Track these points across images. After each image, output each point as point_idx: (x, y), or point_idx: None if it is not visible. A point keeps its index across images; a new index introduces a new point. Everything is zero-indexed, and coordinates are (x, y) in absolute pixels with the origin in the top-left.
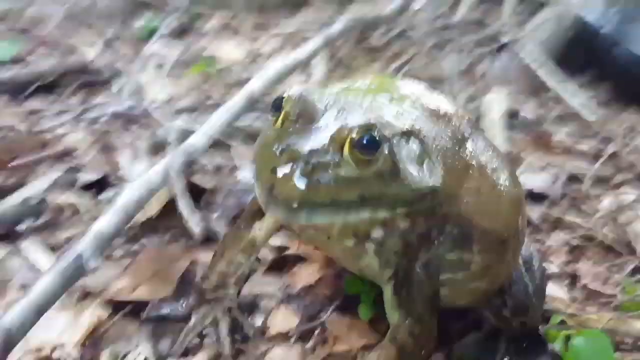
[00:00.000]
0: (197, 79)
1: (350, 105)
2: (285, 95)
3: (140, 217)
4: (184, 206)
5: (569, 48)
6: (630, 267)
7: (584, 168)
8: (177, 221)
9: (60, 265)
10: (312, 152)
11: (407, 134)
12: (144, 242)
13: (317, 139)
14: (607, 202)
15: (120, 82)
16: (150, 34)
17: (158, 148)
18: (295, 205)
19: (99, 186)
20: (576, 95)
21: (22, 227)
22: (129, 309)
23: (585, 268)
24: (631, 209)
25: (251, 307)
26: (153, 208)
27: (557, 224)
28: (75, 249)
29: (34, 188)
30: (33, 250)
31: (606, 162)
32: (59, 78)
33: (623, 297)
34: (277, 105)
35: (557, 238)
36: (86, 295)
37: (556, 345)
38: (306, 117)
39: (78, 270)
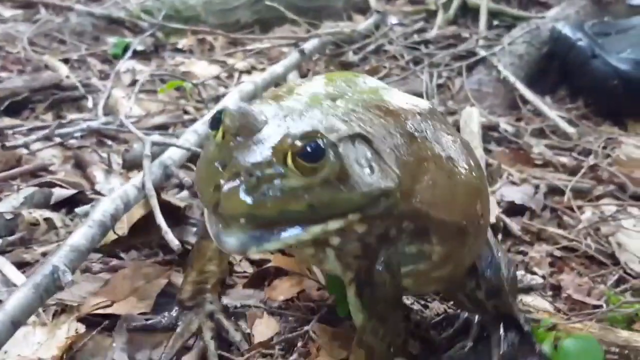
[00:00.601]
0: (172, 95)
1: (293, 112)
2: (224, 110)
3: (117, 231)
4: (162, 219)
5: (544, 63)
6: (614, 277)
7: (564, 180)
8: (153, 237)
9: (35, 278)
10: (255, 165)
11: (355, 137)
12: (123, 257)
13: (260, 151)
14: (588, 214)
15: (94, 98)
16: (122, 51)
17: (133, 163)
18: (242, 221)
19: (74, 202)
20: (554, 109)
21: None
22: (106, 324)
23: (569, 279)
24: (613, 220)
25: (234, 316)
26: (129, 222)
27: (539, 236)
28: (49, 262)
29: (9, 204)
30: (8, 265)
31: (586, 175)
32: (31, 94)
33: (607, 308)
34: (217, 120)
35: (539, 249)
36: (63, 310)
37: (545, 347)
38: (247, 130)
39: (53, 284)
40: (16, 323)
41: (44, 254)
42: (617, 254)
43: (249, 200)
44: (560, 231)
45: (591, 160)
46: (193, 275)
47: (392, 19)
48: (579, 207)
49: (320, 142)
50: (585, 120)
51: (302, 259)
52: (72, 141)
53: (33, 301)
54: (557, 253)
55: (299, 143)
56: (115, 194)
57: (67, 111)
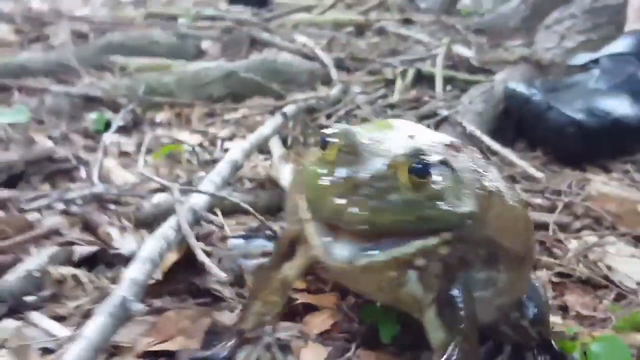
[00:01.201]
0: (160, 163)
1: (385, 140)
2: (332, 131)
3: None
4: (204, 256)
5: (501, 119)
6: (612, 295)
7: (545, 217)
8: (182, 284)
9: (106, 308)
10: (372, 178)
11: (442, 164)
12: (161, 302)
13: (374, 167)
14: (574, 244)
15: (86, 168)
16: (104, 126)
17: (145, 222)
18: (361, 228)
19: (95, 259)
20: (520, 158)
21: (28, 298)
22: None
23: (572, 299)
24: (598, 247)
25: (281, 347)
26: (162, 268)
27: (534, 265)
28: (116, 294)
29: (33, 262)
30: (45, 319)
31: (563, 212)
32: (27, 167)
33: (616, 318)
34: (326, 141)
35: (538, 276)
36: (114, 353)
37: (575, 355)
38: (352, 150)
39: (125, 312)
40: (97, 348)
41: (77, 307)
42: (610, 275)
43: (369, 207)
44: (552, 260)
45: (565, 198)
46: (257, 305)
47: (355, 88)
48: (563, 240)
49: (427, 158)
50: (548, 169)
51: (365, 289)
52: (74, 208)
53: (110, 329)
54: (555, 279)
55: (411, 159)
56: (156, 233)
57: (64, 181)
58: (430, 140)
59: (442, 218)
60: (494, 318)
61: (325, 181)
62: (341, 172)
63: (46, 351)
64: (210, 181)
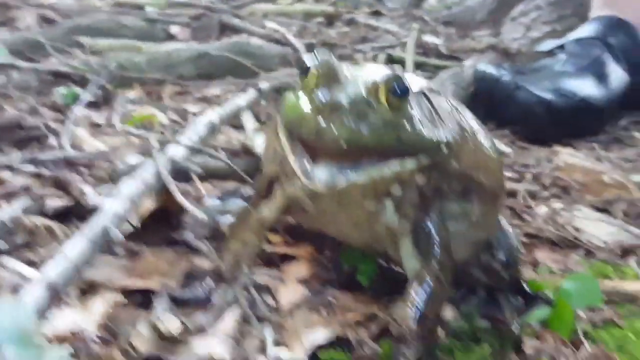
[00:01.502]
0: (129, 137)
1: (364, 71)
2: (312, 58)
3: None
4: (184, 200)
5: (470, 101)
6: (582, 252)
7: (514, 186)
8: (162, 236)
9: (85, 233)
10: (353, 100)
11: (419, 94)
12: (139, 248)
13: (354, 89)
14: (542, 210)
15: (57, 137)
16: (73, 100)
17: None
18: (342, 147)
19: (69, 214)
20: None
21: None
22: (140, 299)
23: (543, 255)
24: (565, 212)
25: (259, 288)
26: (140, 216)
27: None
28: (97, 221)
29: (5, 212)
30: (19, 264)
31: (532, 182)
32: None
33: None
34: (305, 68)
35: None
36: (86, 291)
37: (546, 292)
38: (335, 75)
39: (104, 238)
40: (79, 270)
41: (50, 255)
42: (578, 236)
43: (349, 126)
44: (522, 223)
45: (533, 170)
46: (235, 244)
47: None
48: (532, 207)
49: (405, 81)
50: (516, 146)
51: (342, 229)
52: (45, 170)
53: (90, 252)
54: (525, 240)
55: (390, 81)
56: (135, 175)
57: (33, 147)
58: (411, 79)
59: (419, 141)
60: (467, 254)
61: (305, 103)
62: (321, 95)
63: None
64: (188, 138)
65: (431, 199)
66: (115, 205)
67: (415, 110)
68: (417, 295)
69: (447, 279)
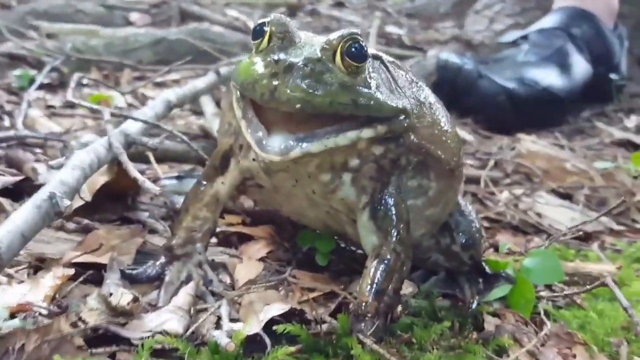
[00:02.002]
0: (84, 120)
1: (319, 36)
2: (267, 20)
3: (82, 196)
4: (136, 172)
5: (433, 90)
6: (543, 236)
7: (476, 173)
8: (115, 213)
9: (34, 201)
10: (308, 59)
11: (377, 58)
12: (90, 223)
13: (309, 50)
14: (504, 196)
15: (10, 118)
16: (29, 83)
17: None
18: (298, 107)
19: (19, 190)
20: None
21: None
22: (89, 275)
23: (505, 238)
24: (527, 198)
25: (214, 266)
26: (91, 190)
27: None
28: (44, 190)
29: None
30: None
31: (493, 169)
32: None
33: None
34: (259, 31)
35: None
36: (38, 267)
37: (507, 271)
38: (290, 35)
39: (52, 209)
40: (26, 236)
41: None
42: (540, 221)
43: (304, 86)
44: (484, 209)
45: (496, 156)
46: (188, 220)
47: None
48: (494, 193)
49: (363, 44)
50: (478, 134)
51: (298, 206)
52: None
53: (37, 219)
54: (487, 224)
55: (347, 42)
56: (87, 148)
57: None
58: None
59: (376, 106)
60: (423, 231)
61: (259, 65)
62: (275, 55)
63: None
64: (143, 114)
65: (389, 172)
66: (64, 174)
67: (374, 76)
68: (375, 270)
69: (406, 254)
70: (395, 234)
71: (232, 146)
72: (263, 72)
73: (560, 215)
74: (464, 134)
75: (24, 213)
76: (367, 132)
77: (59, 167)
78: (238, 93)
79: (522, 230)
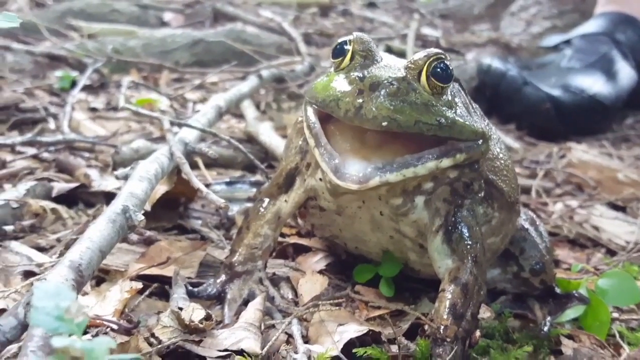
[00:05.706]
0: (128, 122)
1: (399, 59)
2: (349, 38)
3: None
4: (199, 183)
5: (474, 94)
6: (603, 250)
7: (527, 182)
8: (171, 222)
9: (108, 215)
10: (394, 78)
11: (455, 80)
12: (151, 234)
13: (394, 69)
14: (558, 207)
15: (55, 120)
16: (70, 84)
17: (122, 165)
18: (384, 124)
19: (74, 197)
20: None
21: (7, 228)
22: (155, 288)
23: (564, 254)
24: (582, 210)
25: (275, 280)
26: (152, 200)
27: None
28: (116, 203)
29: (11, 194)
30: (26, 248)
31: (544, 178)
32: None
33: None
34: (340, 49)
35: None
36: (102, 279)
37: (580, 291)
38: (372, 54)
39: (126, 223)
40: (103, 252)
41: (59, 240)
42: (598, 235)
43: (390, 105)
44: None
45: (546, 165)
46: (249, 237)
47: (326, 62)
48: (547, 203)
49: (448, 64)
50: (523, 142)
51: (359, 232)
52: (46, 154)
53: (113, 234)
54: None
55: (432, 62)
56: (151, 158)
57: (33, 130)
58: None
59: (459, 128)
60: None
61: (342, 82)
62: (360, 73)
63: (29, 275)
64: (197, 120)
65: (462, 195)
66: (132, 185)
67: (455, 97)
68: (452, 293)
69: (483, 277)
70: (472, 257)
71: (298, 164)
72: (347, 89)
73: (617, 229)
74: (509, 141)
75: (99, 228)
76: (446, 162)
77: (124, 177)
78: (310, 111)
79: (580, 244)
